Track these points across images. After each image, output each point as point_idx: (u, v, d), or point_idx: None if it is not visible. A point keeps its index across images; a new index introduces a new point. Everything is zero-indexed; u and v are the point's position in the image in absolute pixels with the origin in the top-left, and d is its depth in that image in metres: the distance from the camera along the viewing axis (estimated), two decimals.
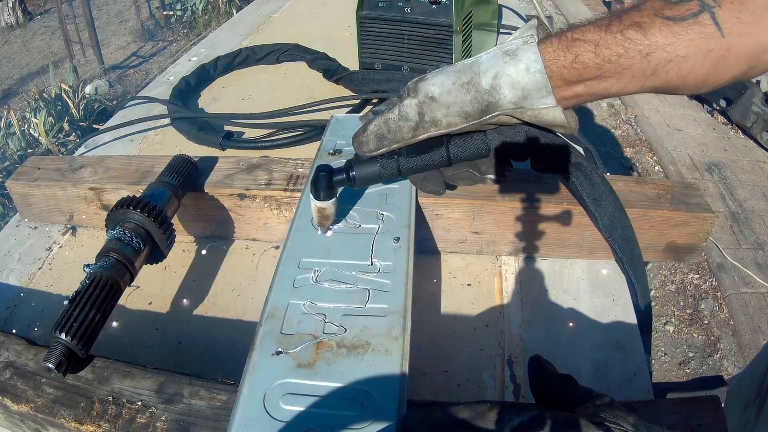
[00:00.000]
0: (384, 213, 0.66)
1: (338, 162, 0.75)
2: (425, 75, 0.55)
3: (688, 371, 2.19)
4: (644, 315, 0.70)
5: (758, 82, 3.28)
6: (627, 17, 0.48)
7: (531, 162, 0.62)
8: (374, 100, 1.10)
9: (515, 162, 0.64)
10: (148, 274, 0.74)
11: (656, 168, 3.24)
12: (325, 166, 0.59)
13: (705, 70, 0.47)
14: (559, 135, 0.59)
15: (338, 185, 0.59)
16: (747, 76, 0.49)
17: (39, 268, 0.78)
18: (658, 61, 0.47)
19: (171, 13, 5.06)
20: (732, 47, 0.46)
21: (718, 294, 2.47)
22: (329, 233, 0.63)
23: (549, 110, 0.51)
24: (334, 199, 0.60)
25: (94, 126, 2.93)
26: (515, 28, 1.46)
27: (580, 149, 0.65)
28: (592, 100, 0.53)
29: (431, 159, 0.57)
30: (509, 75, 0.51)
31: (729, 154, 3.26)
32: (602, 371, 0.63)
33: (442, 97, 0.53)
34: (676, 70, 0.48)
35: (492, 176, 0.61)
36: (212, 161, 0.81)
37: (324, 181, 0.58)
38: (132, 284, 0.64)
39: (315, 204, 0.60)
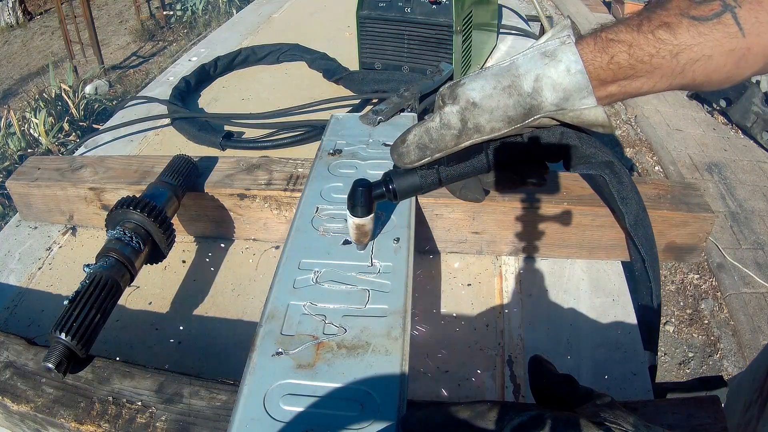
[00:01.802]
0: (384, 214, 0.66)
1: (339, 162, 0.75)
2: (461, 80, 0.54)
3: (688, 371, 2.19)
4: (656, 314, 0.70)
5: (758, 82, 3.28)
6: (655, 17, 0.49)
7: (564, 162, 0.62)
8: (374, 100, 1.10)
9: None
10: (148, 274, 0.74)
11: (656, 168, 3.24)
12: (363, 180, 0.56)
13: (728, 68, 0.49)
14: (588, 133, 0.59)
15: (377, 199, 0.57)
16: (764, 71, 0.51)
17: (39, 268, 0.78)
18: (687, 61, 0.48)
19: (171, 13, 5.06)
20: (752, 46, 0.47)
21: (718, 294, 2.47)
22: (364, 250, 0.61)
23: (591, 110, 0.52)
24: (372, 215, 0.57)
25: (94, 126, 2.93)
26: (515, 28, 1.46)
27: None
28: (624, 99, 0.54)
29: (472, 166, 0.56)
30: (550, 77, 0.51)
31: (729, 154, 3.26)
32: (602, 371, 0.63)
33: (484, 102, 0.52)
34: (702, 69, 0.49)
35: (534, 180, 0.60)
36: (212, 161, 0.81)
37: (363, 197, 0.55)
38: (132, 284, 0.64)
39: (353, 221, 0.57)
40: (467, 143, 0.54)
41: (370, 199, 0.56)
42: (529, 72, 0.51)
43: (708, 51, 0.48)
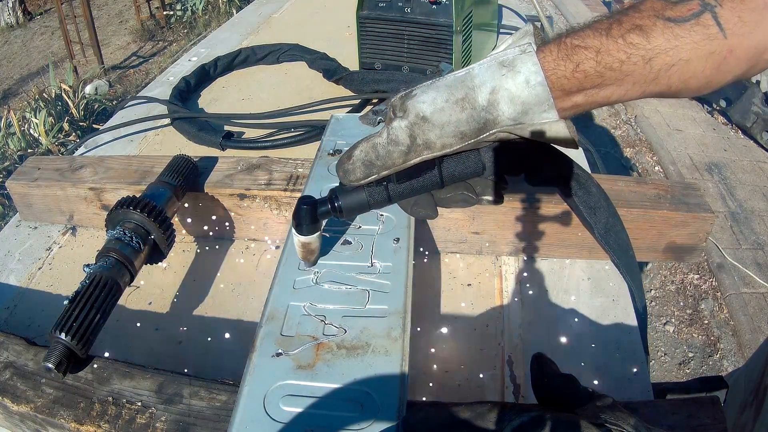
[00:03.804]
0: (384, 214, 0.66)
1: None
2: (412, 91, 0.50)
3: (688, 371, 2.19)
4: (641, 316, 0.70)
5: (758, 82, 3.28)
6: (627, 20, 0.45)
7: (526, 177, 0.58)
8: (374, 100, 1.10)
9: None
10: (148, 274, 0.74)
11: (656, 168, 3.24)
12: (308, 198, 0.54)
13: (707, 72, 0.45)
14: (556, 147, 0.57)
15: (323, 217, 0.55)
16: (747, 75, 0.47)
17: (39, 268, 0.78)
18: (661, 66, 0.45)
19: (171, 13, 5.05)
20: (734, 48, 0.44)
21: (718, 294, 2.47)
22: (314, 268, 0.59)
23: (551, 125, 0.48)
24: (318, 233, 0.56)
25: (94, 126, 2.93)
26: (515, 28, 1.46)
27: (579, 149, 0.65)
28: (591, 108, 0.50)
29: (423, 183, 0.53)
30: (507, 89, 0.47)
31: (729, 154, 3.26)
32: (602, 371, 0.63)
33: (434, 116, 0.48)
34: (678, 75, 0.45)
35: (489, 197, 0.56)
36: (212, 161, 0.81)
37: (308, 215, 0.54)
38: (132, 284, 0.64)
39: (299, 239, 0.56)
40: (416, 160, 0.50)
41: (315, 216, 0.54)
42: (484, 83, 0.48)
43: (685, 55, 0.44)
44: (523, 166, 0.55)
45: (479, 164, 0.53)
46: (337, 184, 0.54)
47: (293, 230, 0.55)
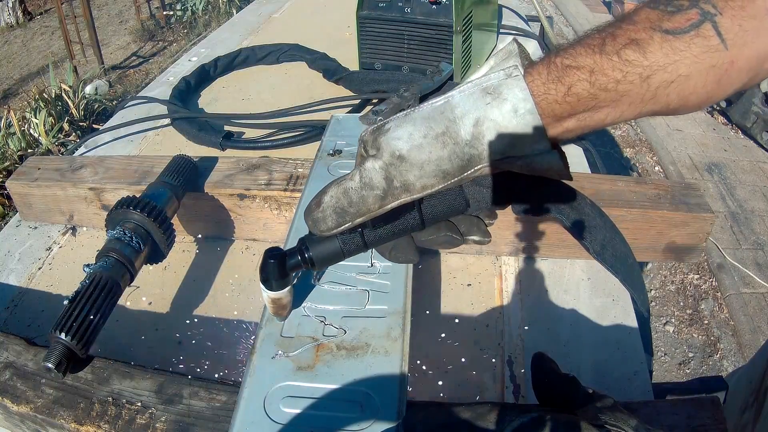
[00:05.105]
0: None
1: (339, 162, 0.75)
2: (386, 124, 0.44)
3: (688, 371, 2.19)
4: (644, 320, 0.70)
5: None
6: (622, 34, 0.41)
7: (513, 207, 0.55)
8: (374, 100, 1.10)
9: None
10: (148, 274, 0.74)
11: (656, 168, 3.24)
12: (275, 250, 0.50)
13: (708, 87, 0.42)
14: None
15: (292, 270, 0.50)
16: (747, 86, 0.44)
17: (39, 268, 0.78)
18: (659, 84, 0.41)
19: (171, 13, 5.05)
20: (735, 59, 0.41)
21: (718, 294, 2.47)
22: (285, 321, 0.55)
23: (543, 156, 0.43)
24: (289, 287, 0.51)
25: (94, 126, 2.94)
26: (515, 28, 1.46)
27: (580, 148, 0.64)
28: (583, 133, 0.46)
29: (402, 225, 0.48)
30: (493, 120, 0.42)
31: (729, 154, 3.26)
32: (602, 371, 0.63)
33: (412, 154, 0.43)
34: (678, 91, 0.42)
35: (476, 237, 0.51)
36: (212, 161, 0.81)
37: (276, 269, 0.49)
38: (132, 284, 0.64)
39: (267, 295, 0.51)
40: (394, 204, 0.45)
41: (285, 270, 0.49)
42: (467, 114, 0.43)
43: (685, 70, 0.40)
44: (511, 198, 0.51)
45: (462, 201, 0.49)
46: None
47: (261, 286, 0.50)
